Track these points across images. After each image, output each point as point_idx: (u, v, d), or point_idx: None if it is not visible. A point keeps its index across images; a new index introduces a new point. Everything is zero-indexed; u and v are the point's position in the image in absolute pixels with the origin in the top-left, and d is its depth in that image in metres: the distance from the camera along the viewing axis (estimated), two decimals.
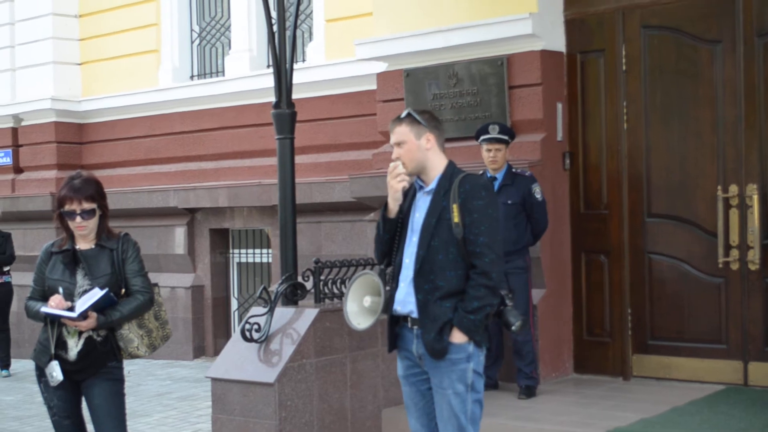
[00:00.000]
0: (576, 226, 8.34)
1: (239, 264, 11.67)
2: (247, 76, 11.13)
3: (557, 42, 8.29)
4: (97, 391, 5.10)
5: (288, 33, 7.29)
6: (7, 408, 9.38)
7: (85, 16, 12.81)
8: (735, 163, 7.57)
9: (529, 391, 7.50)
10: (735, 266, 7.55)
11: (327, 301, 7.11)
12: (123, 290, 5.11)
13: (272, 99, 7.30)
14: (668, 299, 7.92)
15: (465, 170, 4.64)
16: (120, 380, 5.19)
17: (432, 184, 4.59)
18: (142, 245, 5.42)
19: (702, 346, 7.72)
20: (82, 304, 4.94)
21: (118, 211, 10.76)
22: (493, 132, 7.51)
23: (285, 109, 7.23)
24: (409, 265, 4.55)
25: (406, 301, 4.56)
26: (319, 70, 10.31)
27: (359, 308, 4.63)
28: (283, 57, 7.23)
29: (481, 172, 7.56)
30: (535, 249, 7.77)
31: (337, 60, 10.14)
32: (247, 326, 6.79)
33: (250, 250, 11.52)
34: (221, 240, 11.66)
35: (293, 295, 7.11)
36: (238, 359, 6.89)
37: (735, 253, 7.53)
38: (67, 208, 5.07)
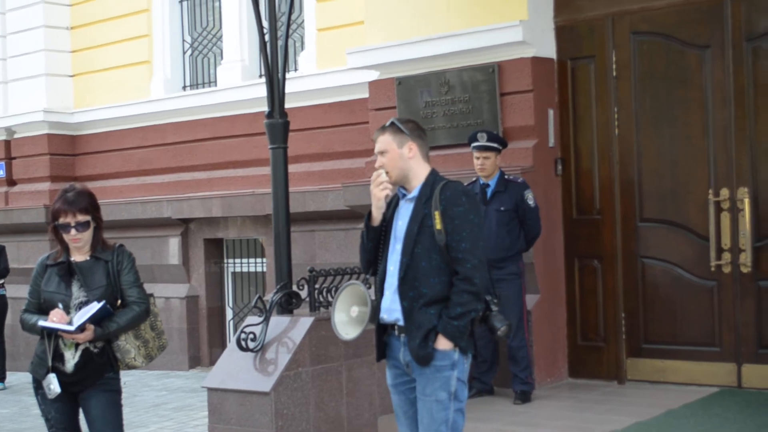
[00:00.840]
0: (569, 231, 8.37)
1: (234, 273, 11.68)
2: (239, 86, 11.15)
3: (548, 49, 8.33)
4: (95, 402, 5.11)
5: (280, 42, 7.32)
6: (3, 421, 9.37)
7: (77, 28, 12.82)
8: (726, 166, 7.61)
9: (524, 397, 7.52)
10: (727, 269, 7.59)
11: (322, 309, 7.13)
12: (119, 301, 5.13)
13: (265, 108, 7.33)
14: (661, 303, 7.96)
15: (450, 177, 4.67)
16: (117, 391, 5.20)
17: (414, 192, 4.61)
18: (136, 256, 5.44)
19: (696, 349, 7.75)
20: (80, 317, 4.95)
21: (112, 223, 10.78)
22: (482, 140, 7.54)
23: (278, 119, 7.25)
24: (394, 273, 4.56)
25: (391, 308, 4.56)
26: (312, 79, 10.33)
27: (347, 318, 4.64)
28: (275, 66, 7.26)
29: (474, 179, 7.60)
30: (528, 255, 7.80)
31: (329, 69, 10.16)
32: (243, 336, 6.81)
33: (245, 260, 11.53)
34: (215, 250, 11.66)
35: (288, 304, 7.13)
36: (233, 369, 6.90)
37: (727, 257, 7.56)
38: (61, 221, 5.08)
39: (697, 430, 6.43)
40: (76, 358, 5.07)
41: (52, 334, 5.04)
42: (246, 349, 6.80)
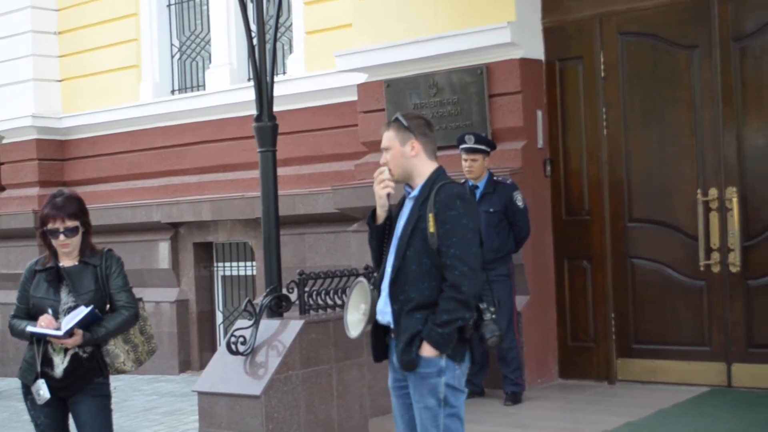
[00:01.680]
0: (558, 232, 8.38)
1: (224, 277, 11.66)
2: (227, 89, 11.13)
3: (536, 50, 8.34)
4: (84, 407, 5.11)
5: (268, 46, 7.31)
6: None
7: (65, 32, 12.79)
8: (714, 166, 7.63)
9: (514, 398, 7.52)
10: (716, 269, 7.60)
11: (312, 312, 7.12)
12: (108, 306, 5.12)
13: (253, 112, 7.32)
14: (651, 303, 7.97)
15: (449, 178, 4.55)
16: (107, 396, 5.20)
17: (415, 191, 4.52)
18: (125, 260, 5.43)
19: (685, 349, 7.77)
20: (68, 321, 4.95)
21: (101, 227, 10.74)
22: (469, 142, 7.54)
23: (266, 122, 7.25)
24: (387, 274, 4.48)
25: (384, 311, 4.48)
26: (300, 83, 10.32)
27: (361, 316, 4.54)
28: (263, 70, 7.25)
29: (463, 180, 7.61)
30: (518, 256, 7.81)
31: (317, 72, 10.16)
32: (233, 339, 6.80)
33: (234, 264, 11.51)
34: (205, 254, 11.65)
35: (278, 307, 7.12)
36: (224, 372, 6.89)
37: (716, 256, 7.58)
38: (50, 226, 5.08)
39: (687, 429, 6.44)
40: (65, 363, 5.06)
41: (41, 339, 5.03)
42: (236, 353, 6.79)
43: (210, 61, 11.67)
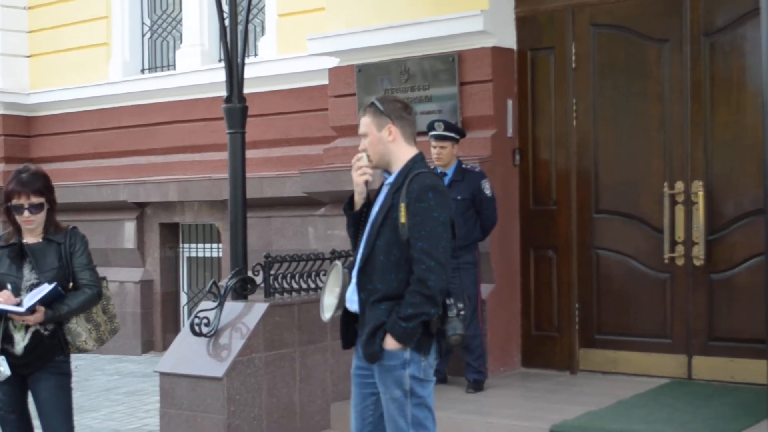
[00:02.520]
0: (525, 221, 8.40)
1: (189, 258, 11.62)
2: (198, 70, 11.08)
3: (508, 39, 8.35)
4: (44, 385, 5.07)
5: (240, 27, 7.27)
6: None
7: (35, 8, 12.67)
8: (681, 160, 7.68)
9: (477, 385, 7.55)
10: (680, 262, 7.66)
11: (277, 295, 7.11)
12: (71, 284, 5.09)
13: (223, 93, 7.28)
14: (615, 294, 8.02)
15: (426, 165, 4.43)
16: (67, 374, 5.17)
17: (391, 178, 4.40)
18: (91, 239, 5.40)
19: (647, 341, 7.82)
20: (30, 298, 4.91)
21: (66, 205, 10.63)
22: (439, 129, 7.54)
23: (236, 104, 7.22)
24: (357, 263, 4.40)
25: (352, 299, 4.40)
26: (271, 65, 10.29)
27: (334, 300, 4.46)
28: (234, 51, 7.22)
29: (432, 167, 7.61)
30: (484, 244, 7.82)
31: (289, 55, 10.13)
32: (197, 321, 6.78)
33: (200, 245, 11.48)
34: (171, 234, 11.60)
35: (243, 289, 7.10)
36: (187, 354, 6.87)
37: (680, 249, 7.63)
38: (14, 202, 5.04)
39: (647, 420, 6.49)
40: (26, 341, 5.02)
41: (1, 316, 4.99)
42: (199, 334, 6.78)
43: (181, 41, 11.61)
